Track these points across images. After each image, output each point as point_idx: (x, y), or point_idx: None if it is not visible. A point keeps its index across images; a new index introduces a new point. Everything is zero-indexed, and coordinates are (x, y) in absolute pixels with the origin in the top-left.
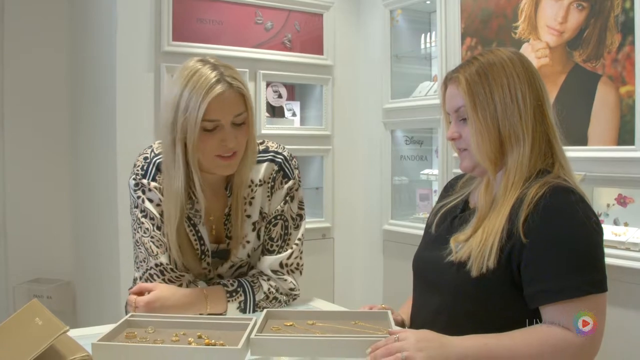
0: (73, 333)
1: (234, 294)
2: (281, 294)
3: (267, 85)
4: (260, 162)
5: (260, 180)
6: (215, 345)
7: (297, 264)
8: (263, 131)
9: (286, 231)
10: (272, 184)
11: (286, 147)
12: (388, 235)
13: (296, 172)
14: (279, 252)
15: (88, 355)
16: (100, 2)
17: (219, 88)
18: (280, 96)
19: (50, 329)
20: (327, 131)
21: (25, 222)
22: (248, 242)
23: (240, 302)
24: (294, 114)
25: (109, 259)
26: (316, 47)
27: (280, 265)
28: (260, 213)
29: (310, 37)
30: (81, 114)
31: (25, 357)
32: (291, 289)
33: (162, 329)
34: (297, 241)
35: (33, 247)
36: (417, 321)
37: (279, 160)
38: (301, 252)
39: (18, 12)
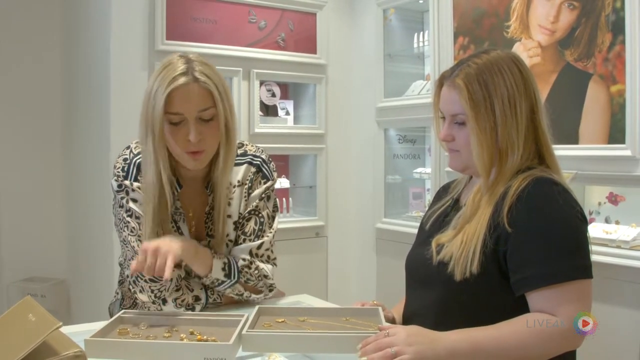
0: (66, 329)
1: (218, 254)
2: (259, 272)
3: (261, 84)
4: (238, 164)
5: (238, 182)
6: (207, 341)
7: (269, 256)
8: (256, 130)
9: (260, 227)
10: (250, 184)
11: (279, 145)
12: (381, 234)
13: (275, 174)
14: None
15: (81, 351)
16: (95, 1)
17: (181, 80)
18: (273, 95)
19: (44, 325)
20: (320, 130)
21: (19, 220)
22: (231, 241)
23: (224, 263)
24: (287, 113)
25: (103, 258)
26: (310, 46)
27: (250, 253)
28: (238, 214)
29: (303, 36)
30: (75, 113)
31: (18, 353)
32: (265, 276)
33: (155, 325)
34: (269, 233)
35: (27, 245)
36: (409, 316)
37: (257, 162)
38: (272, 245)
39: (12, 12)
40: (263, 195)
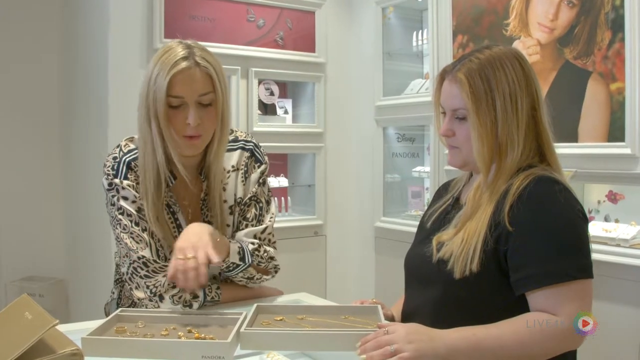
0: (63, 328)
1: (230, 239)
2: (267, 254)
3: (259, 82)
4: (231, 150)
5: (232, 167)
6: (205, 339)
7: (270, 240)
8: (255, 128)
9: (260, 212)
10: (246, 169)
11: (278, 144)
12: (380, 233)
13: (266, 157)
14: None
15: (78, 350)
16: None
17: (184, 64)
18: (272, 94)
19: (40, 322)
20: (319, 129)
21: (18, 220)
22: (228, 225)
23: (239, 247)
24: (286, 112)
25: (101, 257)
26: (308, 44)
27: (255, 237)
28: (235, 198)
29: (302, 35)
30: (74, 112)
31: (14, 351)
32: (271, 258)
33: (152, 323)
34: (269, 219)
35: (26, 245)
36: (408, 314)
37: (250, 147)
38: (273, 230)
39: (11, 12)
40: (260, 181)
